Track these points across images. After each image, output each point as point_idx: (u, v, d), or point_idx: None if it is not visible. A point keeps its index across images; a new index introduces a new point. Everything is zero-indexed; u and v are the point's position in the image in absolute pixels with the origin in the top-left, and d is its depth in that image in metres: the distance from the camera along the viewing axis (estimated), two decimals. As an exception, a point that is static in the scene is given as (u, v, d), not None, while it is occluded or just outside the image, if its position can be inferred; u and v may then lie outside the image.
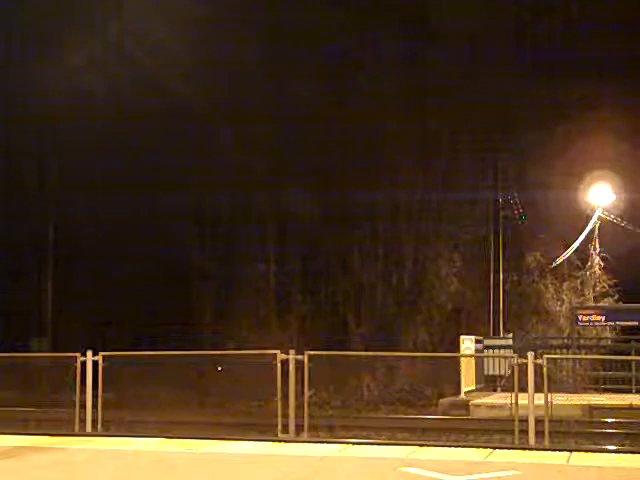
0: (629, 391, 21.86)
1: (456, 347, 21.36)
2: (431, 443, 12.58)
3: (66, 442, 11.95)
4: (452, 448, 11.56)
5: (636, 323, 24.12)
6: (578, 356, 22.61)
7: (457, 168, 30.03)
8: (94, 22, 29.77)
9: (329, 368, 18.67)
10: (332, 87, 29.08)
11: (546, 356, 12.55)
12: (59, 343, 29.18)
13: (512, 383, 13.23)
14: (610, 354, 23.90)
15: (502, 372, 22.05)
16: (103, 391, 13.43)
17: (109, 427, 14.58)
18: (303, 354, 12.53)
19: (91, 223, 31.22)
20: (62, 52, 29.49)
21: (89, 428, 13.28)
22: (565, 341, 26.76)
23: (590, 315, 24.86)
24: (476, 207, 30.27)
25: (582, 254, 31.80)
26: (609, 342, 28.48)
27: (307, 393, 12.62)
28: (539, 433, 12.05)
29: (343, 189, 28.76)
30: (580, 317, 24.73)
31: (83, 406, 13.42)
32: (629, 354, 22.81)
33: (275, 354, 12.61)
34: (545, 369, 12.31)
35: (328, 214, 29.77)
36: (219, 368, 23.61)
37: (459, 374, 19.86)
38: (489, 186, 29.80)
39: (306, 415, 12.60)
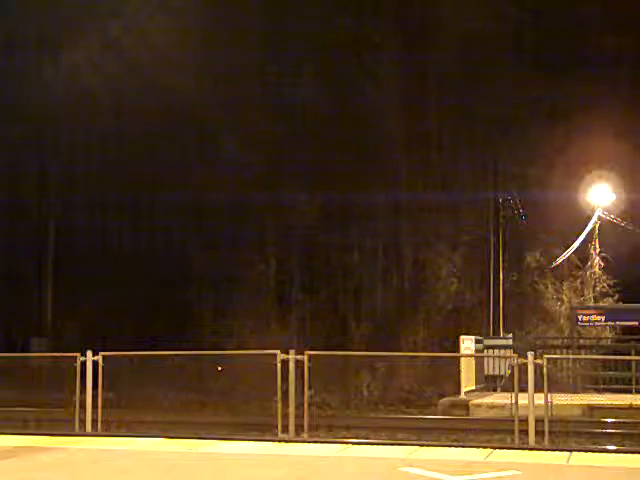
0: (629, 391, 21.83)
1: (456, 347, 21.35)
2: (431, 443, 12.57)
3: (66, 442, 11.94)
4: (452, 448, 11.56)
5: (636, 323, 24.11)
6: (578, 356, 22.59)
7: (457, 168, 30.03)
8: (94, 22, 29.76)
9: (329, 368, 18.66)
10: (332, 87, 29.08)
11: (546, 356, 12.54)
12: (59, 343, 29.18)
13: (512, 383, 13.22)
14: (610, 354, 23.88)
15: (502, 372, 22.04)
16: (103, 391, 13.42)
17: (109, 427, 14.58)
18: (303, 354, 12.52)
19: (91, 223, 31.22)
20: (62, 52, 29.50)
21: (89, 428, 13.27)
22: (565, 341, 26.75)
23: (590, 315, 24.86)
24: (476, 207, 30.26)
25: (582, 254, 31.80)
26: (609, 342, 28.46)
27: (307, 393, 12.61)
28: (539, 433, 12.04)
29: (343, 189, 28.76)
30: (580, 317, 24.72)
31: (83, 406, 13.41)
32: (629, 354, 22.79)
33: (275, 354, 12.59)
34: (545, 369, 12.30)
35: (328, 214, 29.77)
36: (219, 368, 23.60)
37: (459, 374, 19.85)
38: (489, 186, 29.79)
39: (306, 415, 12.59)
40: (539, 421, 12.08)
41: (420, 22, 29.91)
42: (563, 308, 30.93)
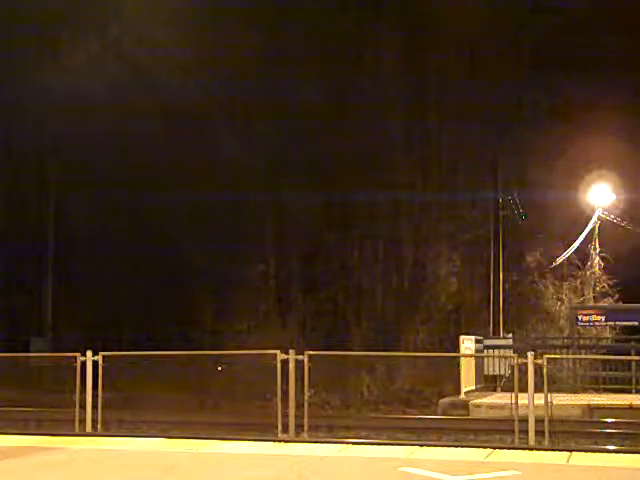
0: (629, 391, 21.86)
1: (456, 347, 21.35)
2: (431, 443, 12.58)
3: (66, 442, 11.95)
4: (452, 448, 11.56)
5: (636, 323, 24.13)
6: (578, 356, 22.60)
7: (457, 168, 30.04)
8: (93, 21, 29.75)
9: (329, 368, 18.66)
10: (332, 87, 29.08)
11: (546, 356, 12.54)
12: (59, 343, 29.19)
13: (512, 383, 13.22)
14: (610, 354, 23.89)
15: (502, 372, 22.05)
16: (103, 391, 13.42)
17: (109, 427, 14.58)
18: (303, 354, 12.52)
19: (91, 223, 31.23)
20: (62, 51, 29.50)
21: (89, 428, 13.28)
22: (565, 341, 26.76)
23: (590, 315, 24.86)
24: (476, 207, 30.26)
25: (582, 254, 31.80)
26: (609, 342, 28.47)
27: (307, 393, 12.61)
28: (539, 433, 12.04)
29: (343, 189, 28.77)
30: (580, 317, 24.72)
31: (83, 406, 13.41)
32: (629, 354, 22.80)
33: (275, 354, 12.58)
34: (545, 369, 12.30)
35: (328, 214, 29.77)
36: (219, 368, 23.62)
37: (459, 374, 19.85)
38: (489, 186, 29.78)
39: (306, 415, 12.59)
40: (539, 421, 12.08)
41: (420, 22, 29.91)
42: (563, 308, 30.93)
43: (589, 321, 24.90)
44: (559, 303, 31.24)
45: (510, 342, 24.65)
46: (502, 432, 15.13)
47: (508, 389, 17.75)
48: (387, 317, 29.24)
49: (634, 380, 22.31)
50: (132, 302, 29.84)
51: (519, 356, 12.94)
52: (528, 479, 9.10)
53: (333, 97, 29.14)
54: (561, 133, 29.65)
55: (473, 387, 20.82)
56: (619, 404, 18.60)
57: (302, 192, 28.88)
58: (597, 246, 31.85)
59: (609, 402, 18.88)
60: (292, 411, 12.56)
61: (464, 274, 30.03)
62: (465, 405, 19.24)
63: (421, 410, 21.36)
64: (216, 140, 29.85)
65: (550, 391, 12.65)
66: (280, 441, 11.94)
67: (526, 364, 12.13)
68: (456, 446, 11.89)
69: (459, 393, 20.03)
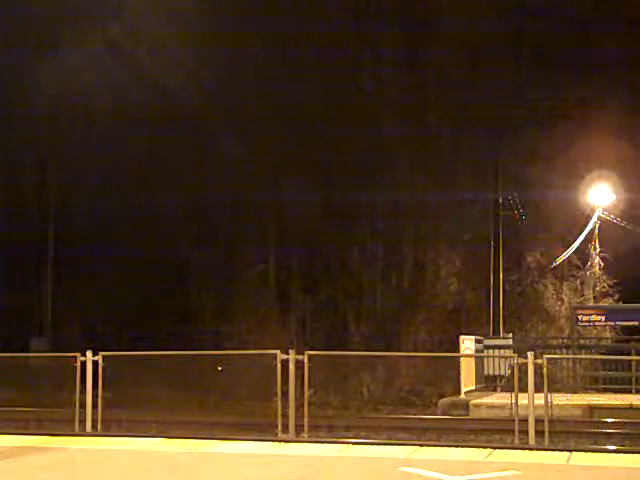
0: (629, 391, 21.85)
1: (456, 347, 21.35)
2: (431, 443, 12.58)
3: (66, 442, 11.95)
4: (452, 448, 11.55)
5: (636, 323, 24.13)
6: (578, 356, 22.61)
7: (457, 168, 30.02)
8: (94, 22, 29.74)
9: (329, 368, 18.66)
10: (332, 87, 29.07)
11: (546, 356, 12.55)
12: (59, 343, 29.18)
13: (512, 383, 13.23)
14: (610, 354, 23.90)
15: (502, 372, 22.05)
16: (103, 391, 13.42)
17: (109, 427, 14.57)
18: (303, 354, 12.52)
19: (91, 223, 31.22)
20: (62, 52, 29.50)
21: (89, 428, 13.28)
22: (565, 341, 26.77)
23: (590, 315, 24.86)
24: (476, 207, 30.25)
25: (582, 254, 31.80)
26: (609, 342, 28.47)
27: (307, 393, 12.60)
28: (539, 433, 12.04)
29: (343, 189, 28.76)
30: (580, 317, 24.72)
31: (83, 406, 13.41)
32: (629, 354, 22.81)
33: (275, 354, 12.58)
34: (545, 369, 12.31)
35: (328, 213, 29.76)
36: (219, 368, 23.59)
37: (459, 374, 19.85)
38: (489, 186, 29.77)
39: (306, 415, 12.58)
40: (539, 421, 12.08)
41: (420, 22, 29.89)
42: (563, 308, 30.93)
43: (589, 321, 24.91)
44: (559, 303, 31.24)
45: (510, 342, 24.66)
46: (502, 432, 15.13)
47: (508, 389, 17.77)
48: (387, 317, 29.23)
49: (634, 380, 22.31)
50: (132, 302, 29.83)
51: (519, 356, 12.95)
52: (528, 479, 9.10)
53: (333, 97, 29.13)
54: (561, 133, 29.65)
55: (473, 387, 20.82)
56: (619, 404, 18.60)
57: (302, 192, 28.87)
58: (597, 246, 31.85)
59: (609, 402, 18.88)
60: (292, 411, 12.56)
61: (464, 274, 30.03)
62: (465, 405, 19.24)
63: (421, 410, 21.35)
64: (216, 140, 29.84)
65: (550, 391, 12.66)
66: (280, 441, 11.94)
67: (526, 364, 12.13)
68: (456, 446, 11.88)
69: (459, 393, 20.03)
